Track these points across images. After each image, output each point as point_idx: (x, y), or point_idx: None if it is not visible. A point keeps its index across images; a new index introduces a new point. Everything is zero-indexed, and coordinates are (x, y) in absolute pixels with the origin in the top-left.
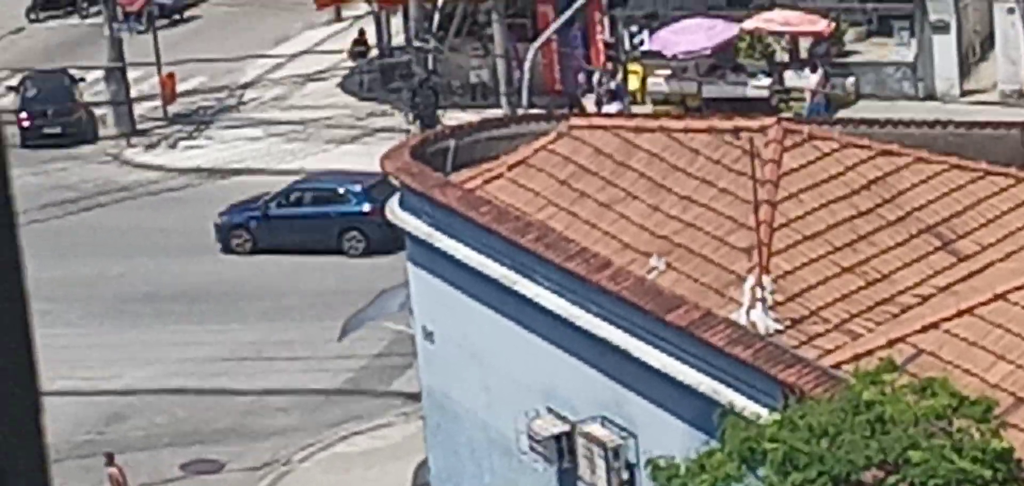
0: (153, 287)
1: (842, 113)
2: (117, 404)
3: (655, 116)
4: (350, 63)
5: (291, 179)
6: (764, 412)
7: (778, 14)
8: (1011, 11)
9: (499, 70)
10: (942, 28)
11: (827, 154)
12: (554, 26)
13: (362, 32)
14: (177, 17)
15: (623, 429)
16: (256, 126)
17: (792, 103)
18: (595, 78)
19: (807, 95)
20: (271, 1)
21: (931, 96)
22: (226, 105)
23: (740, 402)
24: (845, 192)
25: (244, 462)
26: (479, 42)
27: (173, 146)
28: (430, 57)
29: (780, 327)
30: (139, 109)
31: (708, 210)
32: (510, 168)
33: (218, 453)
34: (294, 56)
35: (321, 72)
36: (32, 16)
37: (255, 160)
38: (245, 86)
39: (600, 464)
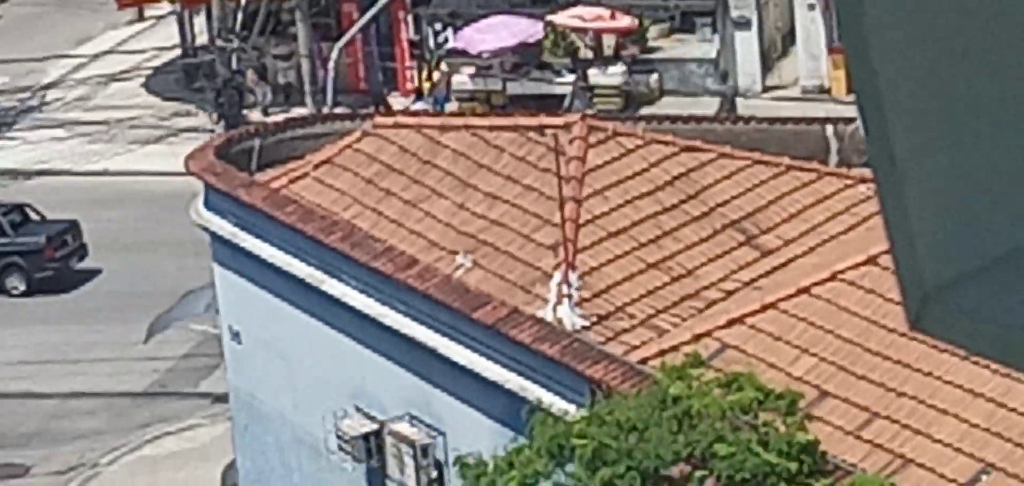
0: None
1: (646, 109)
2: None
3: (460, 114)
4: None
5: (96, 181)
6: (572, 408)
7: (582, 10)
8: (812, 7)
9: (304, 69)
10: (744, 24)
11: (631, 150)
12: (358, 25)
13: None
14: None
15: (431, 427)
16: (60, 127)
17: (596, 100)
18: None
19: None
20: (72, 1)
21: (734, 92)
22: (28, 106)
23: (548, 399)
24: (649, 188)
25: (50, 466)
26: (284, 42)
27: None
28: (234, 57)
29: (586, 323)
30: None
31: (514, 207)
32: (315, 167)
33: (23, 457)
34: (97, 56)
35: (124, 72)
36: None
37: (59, 161)
38: (48, 87)
39: (409, 462)
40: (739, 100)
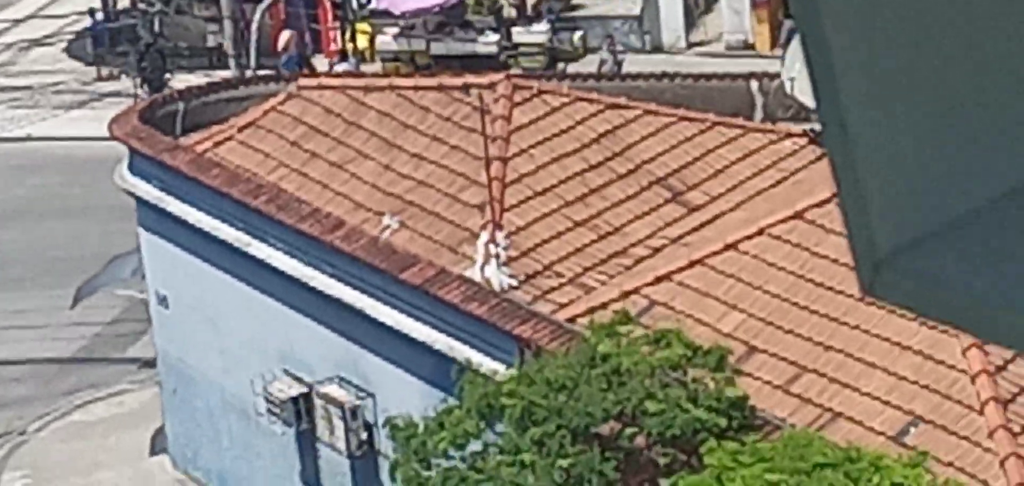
0: None
1: (571, 67)
2: None
3: (385, 75)
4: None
5: (19, 147)
6: (501, 368)
7: None
8: None
9: (227, 32)
10: None
11: (557, 109)
12: None
13: None
14: None
15: (360, 389)
16: None
17: (521, 59)
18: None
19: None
20: None
21: (658, 48)
22: None
23: (477, 358)
24: (575, 146)
25: None
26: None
27: None
28: (156, 20)
29: (514, 283)
30: None
31: (440, 167)
32: (240, 130)
33: None
34: (19, 22)
35: (47, 37)
36: None
37: None
38: None
39: (338, 425)
40: (663, 56)
